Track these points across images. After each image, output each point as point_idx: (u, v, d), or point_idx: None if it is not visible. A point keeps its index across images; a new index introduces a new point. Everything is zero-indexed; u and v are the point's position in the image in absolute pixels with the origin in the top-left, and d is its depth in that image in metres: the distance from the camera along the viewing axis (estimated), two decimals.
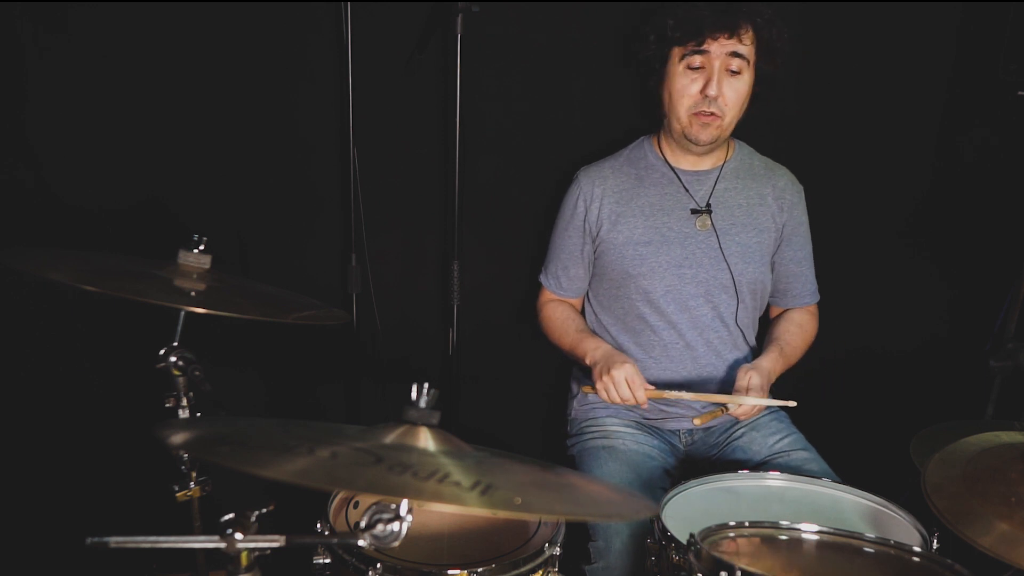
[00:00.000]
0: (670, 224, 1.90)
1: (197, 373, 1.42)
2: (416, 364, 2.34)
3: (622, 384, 1.75)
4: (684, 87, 1.82)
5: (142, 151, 2.01)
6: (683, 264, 1.90)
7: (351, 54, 2.00)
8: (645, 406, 1.79)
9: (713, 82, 1.78)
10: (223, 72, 2.01)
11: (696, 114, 1.82)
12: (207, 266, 1.49)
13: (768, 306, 2.09)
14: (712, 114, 1.81)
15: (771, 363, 1.88)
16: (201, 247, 1.48)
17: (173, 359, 1.42)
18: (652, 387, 1.79)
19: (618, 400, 1.77)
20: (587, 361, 1.88)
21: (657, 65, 1.87)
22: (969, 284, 2.40)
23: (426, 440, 1.02)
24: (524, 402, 2.44)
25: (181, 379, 1.44)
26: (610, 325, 2.00)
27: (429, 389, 1.05)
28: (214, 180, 2.07)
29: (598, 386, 1.80)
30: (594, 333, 1.99)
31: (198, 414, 1.47)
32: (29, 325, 2.03)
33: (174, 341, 1.42)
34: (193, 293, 1.39)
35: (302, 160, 2.13)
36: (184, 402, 1.46)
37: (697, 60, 1.79)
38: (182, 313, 1.42)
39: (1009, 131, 2.27)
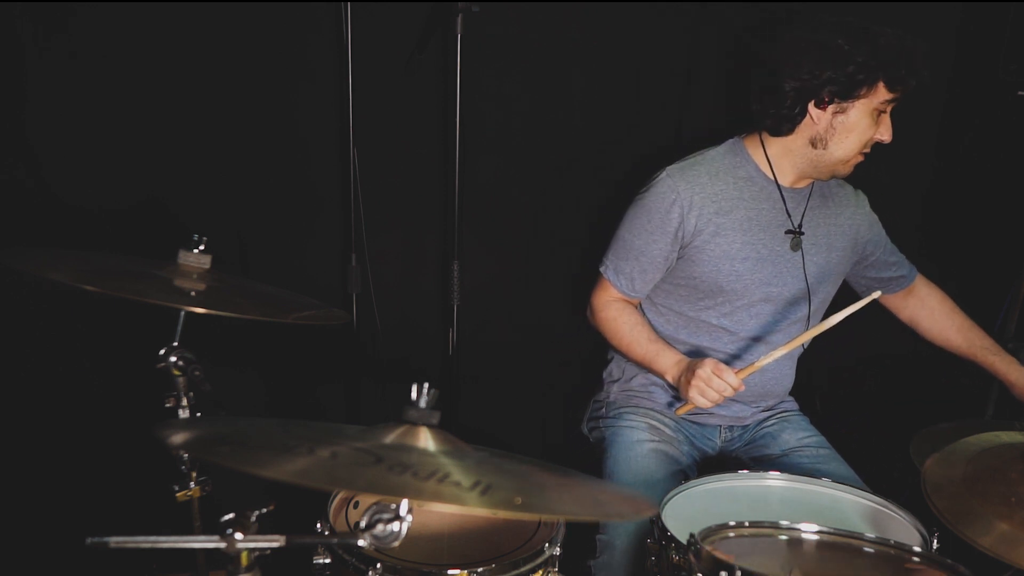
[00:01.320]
0: (765, 241, 1.85)
1: (197, 373, 1.42)
2: (416, 364, 2.34)
3: (713, 380, 1.69)
4: (868, 127, 1.75)
5: (142, 151, 2.01)
6: (771, 283, 1.87)
7: (351, 54, 2.00)
8: (743, 388, 1.71)
9: (891, 129, 1.76)
10: (223, 72, 2.00)
11: (859, 154, 1.79)
12: (207, 266, 1.49)
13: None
14: (866, 154, 1.80)
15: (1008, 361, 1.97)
16: (201, 247, 1.48)
17: (173, 359, 1.42)
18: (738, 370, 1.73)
19: (717, 397, 1.69)
20: (668, 379, 1.84)
21: (839, 89, 1.71)
22: (969, 284, 2.40)
23: (426, 440, 1.02)
24: (524, 402, 2.44)
25: (181, 379, 1.44)
26: (681, 328, 1.94)
27: (429, 389, 1.05)
28: (214, 180, 2.07)
29: (692, 395, 1.72)
30: (665, 343, 1.89)
31: (198, 414, 1.47)
32: (29, 325, 2.03)
33: (174, 341, 1.42)
34: (193, 293, 1.39)
35: (302, 160, 2.13)
36: (184, 402, 1.45)
37: (887, 107, 1.74)
38: (182, 313, 1.42)
39: (1009, 131, 2.27)
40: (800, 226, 1.88)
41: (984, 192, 2.36)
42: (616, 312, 1.94)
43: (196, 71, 1.99)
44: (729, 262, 1.83)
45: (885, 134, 1.77)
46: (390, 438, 1.01)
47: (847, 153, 1.78)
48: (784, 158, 1.85)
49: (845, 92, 1.71)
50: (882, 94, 1.71)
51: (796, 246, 1.87)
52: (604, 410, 2.05)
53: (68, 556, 2.01)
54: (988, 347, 2.01)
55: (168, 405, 1.46)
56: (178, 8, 1.93)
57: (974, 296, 2.37)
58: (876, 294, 1.66)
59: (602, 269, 1.95)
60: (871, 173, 2.36)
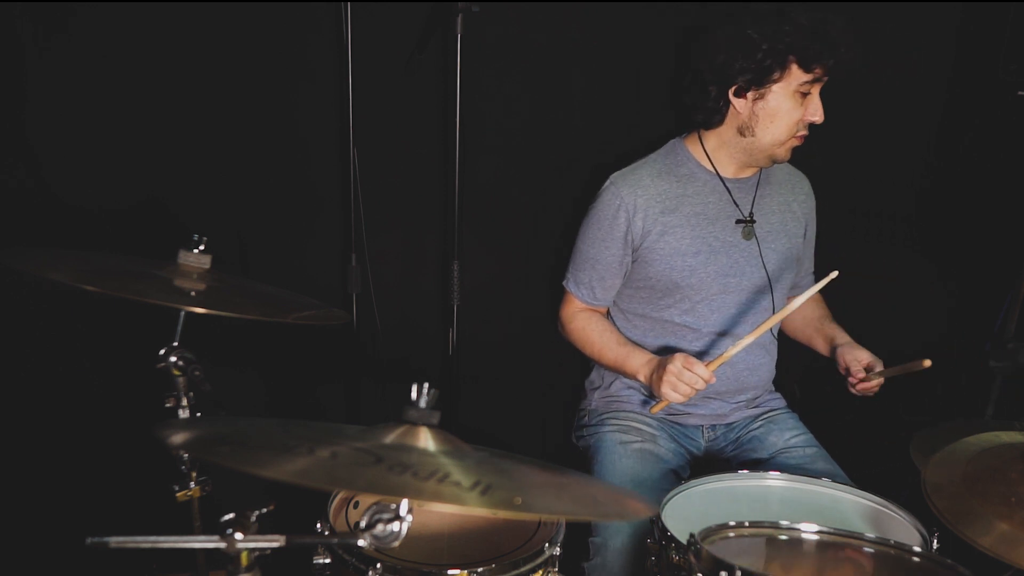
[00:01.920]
0: (715, 234, 1.88)
1: (197, 373, 1.42)
2: (416, 364, 2.34)
3: (683, 373, 1.70)
4: (791, 110, 1.76)
5: (142, 151, 2.01)
6: (728, 274, 1.89)
7: (351, 54, 2.00)
8: (714, 380, 1.72)
9: (819, 107, 1.76)
10: (223, 72, 2.00)
11: (794, 136, 1.80)
12: (207, 266, 1.49)
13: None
14: (803, 136, 1.81)
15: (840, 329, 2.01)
16: (201, 247, 1.48)
17: (173, 359, 1.42)
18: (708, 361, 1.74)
19: (689, 391, 1.71)
20: (640, 379, 1.85)
21: (753, 77, 1.74)
22: (969, 284, 2.40)
23: (426, 440, 1.02)
24: (524, 402, 2.44)
25: (181, 379, 1.44)
26: (648, 331, 1.96)
27: (429, 389, 1.05)
28: (214, 180, 2.07)
29: (664, 391, 1.73)
30: (635, 345, 1.92)
31: (198, 414, 1.47)
32: (29, 325, 2.03)
33: (174, 341, 1.42)
34: (193, 293, 1.39)
35: (302, 160, 2.13)
36: (184, 402, 1.45)
37: (812, 88, 1.75)
38: (182, 313, 1.42)
39: (1009, 131, 2.26)
40: (751, 214, 1.90)
41: (984, 192, 2.36)
42: (583, 322, 1.98)
43: (196, 71, 1.99)
44: (681, 258, 1.86)
45: (815, 114, 1.77)
46: (390, 438, 1.01)
47: (776, 137, 1.79)
48: (721, 150, 1.89)
49: (758, 79, 1.74)
50: (798, 75, 1.73)
51: (748, 235, 1.89)
52: (587, 418, 2.07)
53: (68, 556, 2.01)
54: (828, 316, 2.10)
55: (168, 405, 1.46)
56: (178, 8, 1.93)
57: (974, 296, 2.38)
58: (834, 274, 1.70)
59: (564, 282, 2.00)
60: (871, 173, 2.37)
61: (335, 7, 2.00)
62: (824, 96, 2.27)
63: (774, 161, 1.87)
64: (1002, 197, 2.32)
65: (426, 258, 2.27)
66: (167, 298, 1.34)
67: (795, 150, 2.18)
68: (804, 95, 1.76)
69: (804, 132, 1.80)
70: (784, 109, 1.76)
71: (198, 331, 1.44)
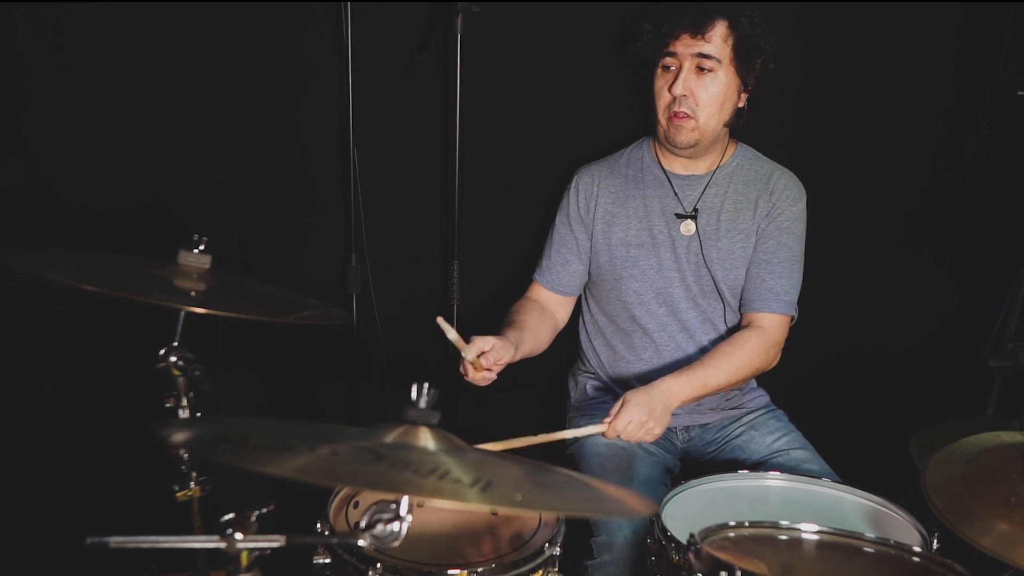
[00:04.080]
0: (659, 227, 1.91)
1: (197, 373, 1.42)
2: (416, 364, 2.34)
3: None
4: (660, 88, 1.85)
5: (143, 151, 2.01)
6: (671, 267, 1.91)
7: (351, 54, 2.00)
8: (483, 375, 1.76)
9: (679, 81, 1.79)
10: (223, 72, 2.01)
11: (671, 116, 1.82)
12: (207, 266, 1.49)
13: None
14: (685, 115, 1.80)
15: (669, 383, 1.74)
16: (201, 247, 1.48)
17: (173, 359, 1.42)
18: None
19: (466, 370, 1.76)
20: None
21: (644, 70, 1.90)
22: (969, 284, 2.40)
23: (426, 440, 1.01)
24: (524, 402, 2.44)
25: (181, 379, 1.43)
26: (605, 327, 2.01)
27: (429, 389, 1.05)
28: (214, 180, 2.07)
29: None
30: (520, 329, 1.90)
31: (198, 414, 1.47)
32: (29, 325, 2.03)
33: (174, 341, 1.42)
34: (193, 293, 1.39)
35: (302, 160, 2.13)
36: (184, 402, 1.45)
37: (670, 62, 1.81)
38: (182, 313, 1.41)
39: (1009, 131, 2.27)
40: (695, 210, 1.90)
41: (984, 192, 2.36)
42: (514, 307, 2.02)
43: (196, 71, 1.99)
44: (625, 248, 1.92)
45: (675, 87, 1.80)
46: (390, 438, 1.01)
47: (659, 115, 1.86)
48: (661, 145, 1.95)
49: (643, 70, 1.89)
50: (652, 56, 1.85)
51: (688, 229, 1.90)
52: (567, 425, 2.07)
53: (68, 556, 2.01)
54: (701, 361, 1.84)
55: (168, 405, 1.46)
56: (178, 8, 1.93)
57: (974, 296, 2.38)
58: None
59: (535, 274, 2.07)
60: (872, 172, 2.37)
61: (335, 7, 2.00)
62: (825, 96, 2.30)
63: (674, 145, 1.86)
64: (1002, 197, 2.32)
65: (426, 258, 2.27)
66: (167, 298, 1.33)
67: (795, 148, 2.19)
68: (664, 69, 1.83)
69: (678, 109, 1.81)
70: (655, 88, 1.86)
71: (198, 331, 1.44)
